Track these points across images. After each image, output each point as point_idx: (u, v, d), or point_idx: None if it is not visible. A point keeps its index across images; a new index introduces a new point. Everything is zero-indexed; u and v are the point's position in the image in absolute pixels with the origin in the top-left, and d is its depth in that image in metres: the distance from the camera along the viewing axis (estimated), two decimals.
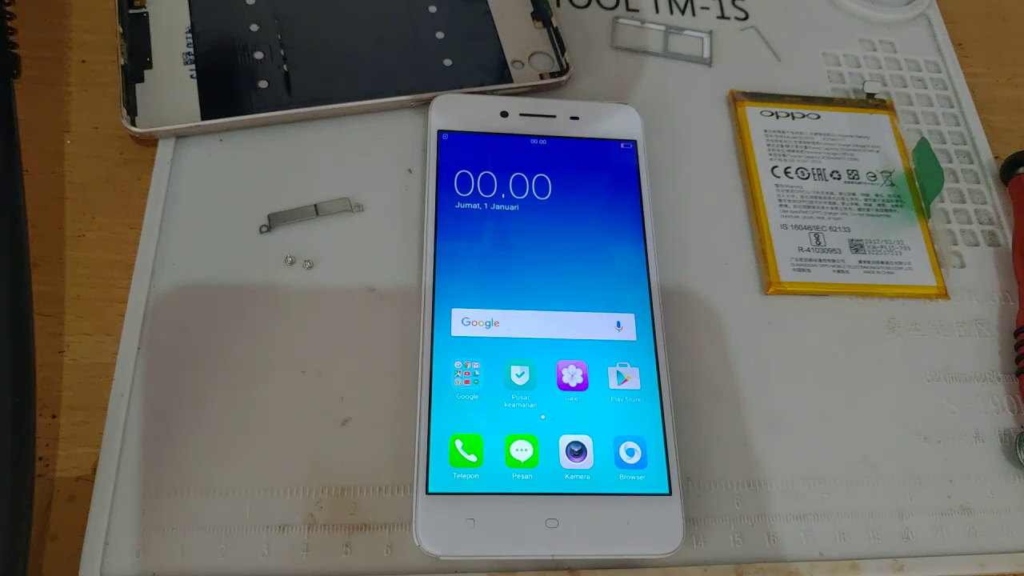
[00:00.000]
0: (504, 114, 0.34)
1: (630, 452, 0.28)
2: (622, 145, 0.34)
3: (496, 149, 0.33)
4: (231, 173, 0.33)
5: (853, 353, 0.33)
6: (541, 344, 0.29)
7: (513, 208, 0.32)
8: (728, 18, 0.42)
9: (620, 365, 0.29)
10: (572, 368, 0.29)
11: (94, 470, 0.27)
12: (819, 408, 0.32)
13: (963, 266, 0.36)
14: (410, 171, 0.34)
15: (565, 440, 0.28)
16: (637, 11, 0.41)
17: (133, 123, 0.32)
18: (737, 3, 0.42)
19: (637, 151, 0.34)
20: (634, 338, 0.30)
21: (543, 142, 0.33)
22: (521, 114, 0.34)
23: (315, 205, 0.33)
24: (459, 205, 0.32)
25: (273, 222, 0.32)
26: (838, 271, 0.34)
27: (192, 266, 0.31)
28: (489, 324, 0.29)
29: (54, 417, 0.28)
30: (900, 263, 0.35)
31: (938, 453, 0.32)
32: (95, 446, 0.27)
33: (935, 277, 0.35)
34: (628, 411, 0.28)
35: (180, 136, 0.33)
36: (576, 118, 0.34)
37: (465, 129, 0.33)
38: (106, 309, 0.30)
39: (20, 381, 0.27)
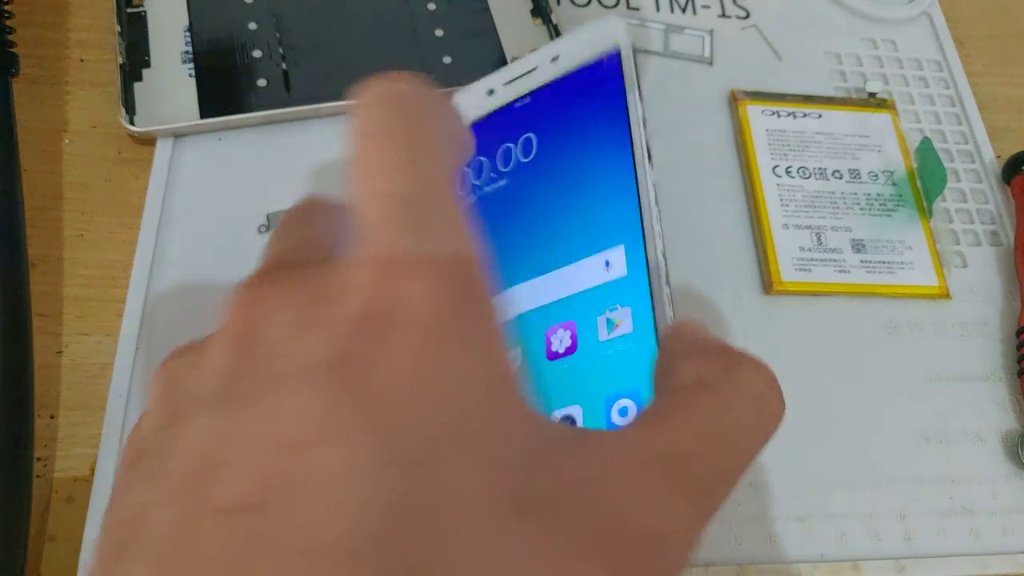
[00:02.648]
0: (491, 92, 0.31)
1: (623, 412, 0.23)
2: (604, 63, 0.29)
3: (482, 132, 0.30)
4: (230, 172, 0.33)
5: (854, 353, 0.33)
6: (531, 317, 0.26)
7: (502, 184, 0.29)
8: (729, 17, 0.41)
9: (609, 311, 0.25)
10: (560, 332, 0.25)
11: (92, 471, 0.27)
12: (820, 408, 0.32)
13: (965, 266, 0.36)
14: None
15: (555, 416, 0.24)
16: (638, 10, 0.41)
17: (132, 122, 0.32)
18: (738, 2, 0.42)
19: (620, 61, 0.28)
20: (624, 273, 0.25)
21: (527, 100, 0.30)
22: (505, 84, 0.31)
23: None
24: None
25: (272, 221, 0.32)
26: (840, 271, 0.34)
27: (191, 266, 0.31)
28: None
29: (52, 418, 0.28)
30: (902, 263, 0.35)
31: (940, 454, 0.31)
32: (93, 447, 0.27)
33: (937, 277, 0.35)
34: (619, 363, 0.24)
35: (179, 135, 0.33)
36: (556, 58, 0.30)
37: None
38: (104, 309, 0.30)
39: (18, 381, 0.27)
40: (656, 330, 0.24)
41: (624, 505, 0.14)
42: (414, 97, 0.17)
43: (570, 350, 0.25)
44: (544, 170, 0.28)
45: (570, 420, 0.24)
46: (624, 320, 0.24)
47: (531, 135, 0.29)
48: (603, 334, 0.25)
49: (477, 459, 0.13)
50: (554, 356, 0.25)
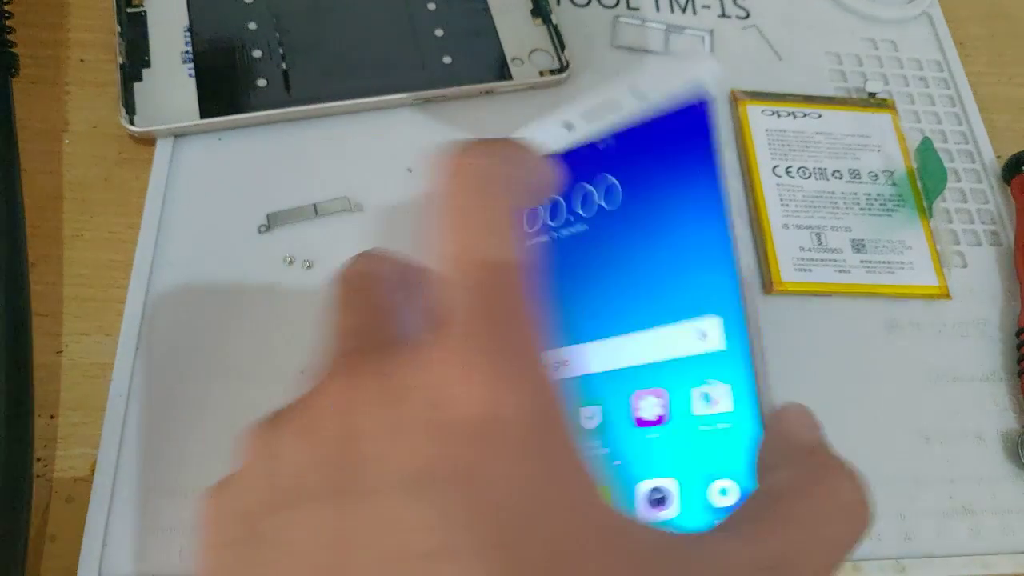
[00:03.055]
0: (569, 127, 0.29)
1: (723, 492, 0.23)
2: (691, 110, 0.27)
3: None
4: (230, 172, 0.33)
5: (854, 353, 0.33)
6: (614, 376, 0.25)
7: (581, 229, 0.27)
8: (729, 17, 0.41)
9: (707, 384, 0.24)
10: (650, 399, 0.24)
11: (92, 471, 0.27)
12: (820, 408, 0.31)
13: (965, 266, 0.36)
14: (410, 170, 0.34)
15: (644, 487, 0.23)
16: (638, 9, 0.41)
17: (132, 122, 0.32)
18: (738, 2, 0.42)
19: (708, 111, 0.27)
20: (722, 347, 0.24)
21: (610, 142, 0.28)
22: (583, 117, 0.29)
23: (314, 205, 0.32)
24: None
25: (272, 221, 0.32)
26: (839, 271, 0.34)
27: (191, 266, 0.31)
28: (558, 367, 0.25)
29: (52, 417, 0.28)
30: (902, 263, 0.35)
31: (939, 454, 0.31)
32: (93, 447, 0.27)
33: (937, 277, 0.35)
34: (718, 441, 0.23)
35: (179, 135, 0.33)
36: (641, 95, 0.28)
37: None
38: (104, 309, 0.30)
39: (18, 381, 0.27)
40: (760, 413, 0.23)
41: None
42: (492, 170, 0.17)
43: (661, 419, 0.24)
44: (631, 221, 0.27)
45: (661, 492, 0.23)
46: (723, 398, 0.24)
47: (615, 181, 0.27)
48: (699, 407, 0.24)
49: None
50: (643, 423, 0.24)
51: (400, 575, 0.13)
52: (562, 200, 0.28)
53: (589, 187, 0.28)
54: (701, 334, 0.24)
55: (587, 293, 0.26)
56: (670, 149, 0.27)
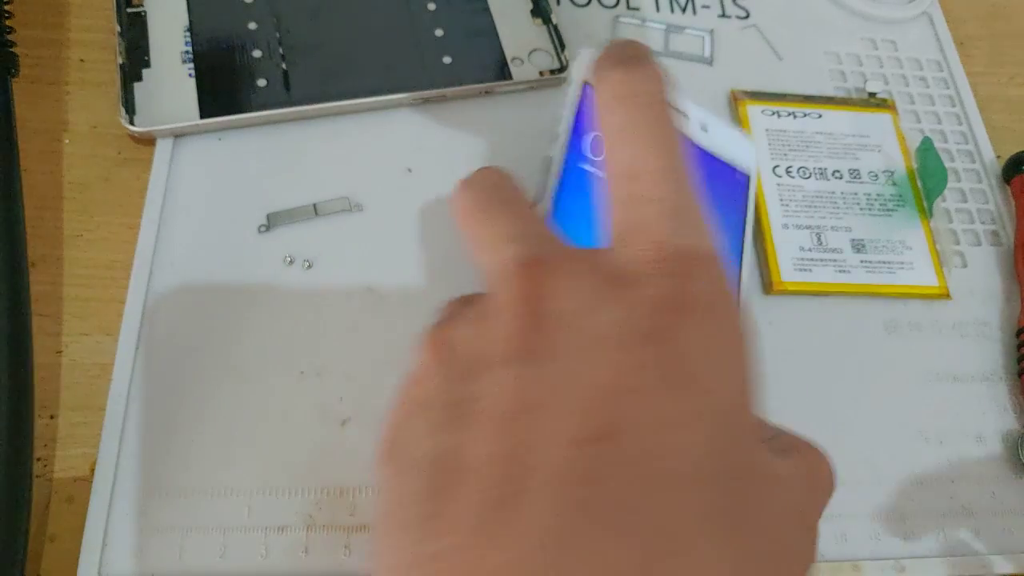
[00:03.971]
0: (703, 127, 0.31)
1: None
2: (737, 175, 0.31)
3: None
4: (230, 172, 0.33)
5: (854, 353, 0.33)
6: None
7: None
8: (729, 17, 0.41)
9: None
10: None
11: (92, 471, 0.27)
12: (820, 408, 0.32)
13: (965, 266, 0.36)
14: (409, 170, 0.34)
15: None
16: (638, 9, 0.41)
17: (131, 122, 0.32)
18: (738, 2, 0.42)
19: (748, 185, 0.31)
20: None
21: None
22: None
23: (314, 204, 0.32)
24: (584, 166, 0.28)
25: (272, 221, 0.32)
26: (840, 271, 0.34)
27: (191, 266, 0.31)
28: None
29: (52, 418, 0.28)
30: (902, 263, 0.35)
31: (939, 454, 0.31)
32: (93, 447, 0.27)
33: (937, 277, 0.35)
34: None
35: (178, 135, 0.33)
36: (706, 129, 0.31)
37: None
38: (104, 309, 0.30)
39: (18, 381, 0.27)
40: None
41: None
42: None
43: None
44: None
45: None
46: None
47: None
48: None
49: (750, 425, 0.17)
50: None
51: (618, 404, 0.15)
52: None
53: None
54: None
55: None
56: (714, 188, 0.28)
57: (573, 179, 0.28)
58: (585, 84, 0.29)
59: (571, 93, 0.29)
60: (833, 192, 0.36)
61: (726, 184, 0.31)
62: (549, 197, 0.27)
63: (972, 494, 0.31)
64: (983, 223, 0.37)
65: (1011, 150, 0.38)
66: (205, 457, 0.28)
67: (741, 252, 0.30)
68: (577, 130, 0.29)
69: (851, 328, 0.33)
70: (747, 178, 0.31)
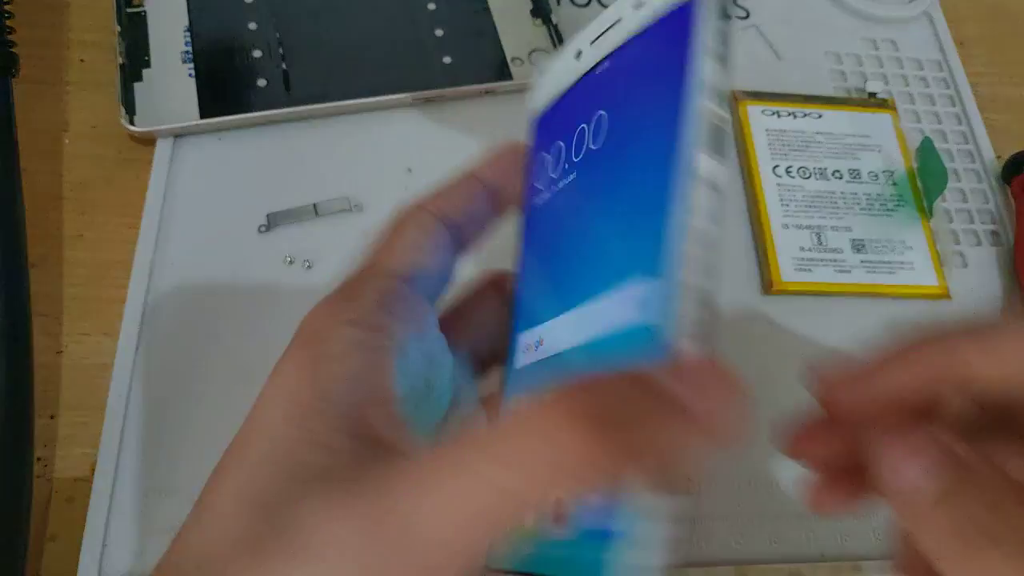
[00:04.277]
0: (578, 54, 0.23)
1: None
2: (674, 14, 0.20)
3: (567, 109, 0.24)
4: (230, 172, 0.33)
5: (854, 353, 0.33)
6: (568, 357, 0.20)
7: (572, 179, 0.22)
8: (729, 17, 0.41)
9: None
10: None
11: (92, 471, 0.27)
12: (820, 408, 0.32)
13: (965, 266, 0.36)
14: (410, 170, 0.34)
15: None
16: None
17: (132, 122, 0.32)
18: (738, 2, 0.42)
19: (692, 12, 0.19)
20: (645, 321, 0.18)
21: (605, 66, 0.22)
22: (591, 43, 0.23)
23: (314, 204, 0.32)
24: (536, 200, 0.23)
25: (272, 221, 0.32)
26: (840, 271, 0.34)
27: (191, 266, 0.31)
28: (537, 345, 0.21)
29: (52, 418, 0.28)
30: (902, 263, 0.35)
31: None
32: (93, 447, 0.27)
33: (937, 277, 0.35)
34: None
35: (179, 135, 0.33)
36: (640, 5, 0.21)
37: (552, 97, 0.24)
38: (104, 309, 0.30)
39: (18, 382, 0.27)
40: None
41: None
42: None
43: None
44: (609, 160, 0.21)
45: None
46: None
47: (604, 112, 0.22)
48: None
49: None
50: None
51: None
52: (563, 145, 0.23)
53: (583, 125, 0.22)
54: (630, 303, 0.18)
55: (566, 255, 0.21)
56: (649, 65, 0.21)
57: (537, 213, 0.23)
58: (532, 118, 0.25)
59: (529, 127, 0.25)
60: (833, 192, 0.36)
61: (664, 41, 0.20)
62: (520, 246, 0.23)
63: None
64: (983, 223, 0.37)
65: (1011, 150, 0.38)
66: (204, 457, 0.27)
67: (678, 116, 0.18)
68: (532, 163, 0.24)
69: (851, 328, 0.33)
70: (689, 5, 0.20)
